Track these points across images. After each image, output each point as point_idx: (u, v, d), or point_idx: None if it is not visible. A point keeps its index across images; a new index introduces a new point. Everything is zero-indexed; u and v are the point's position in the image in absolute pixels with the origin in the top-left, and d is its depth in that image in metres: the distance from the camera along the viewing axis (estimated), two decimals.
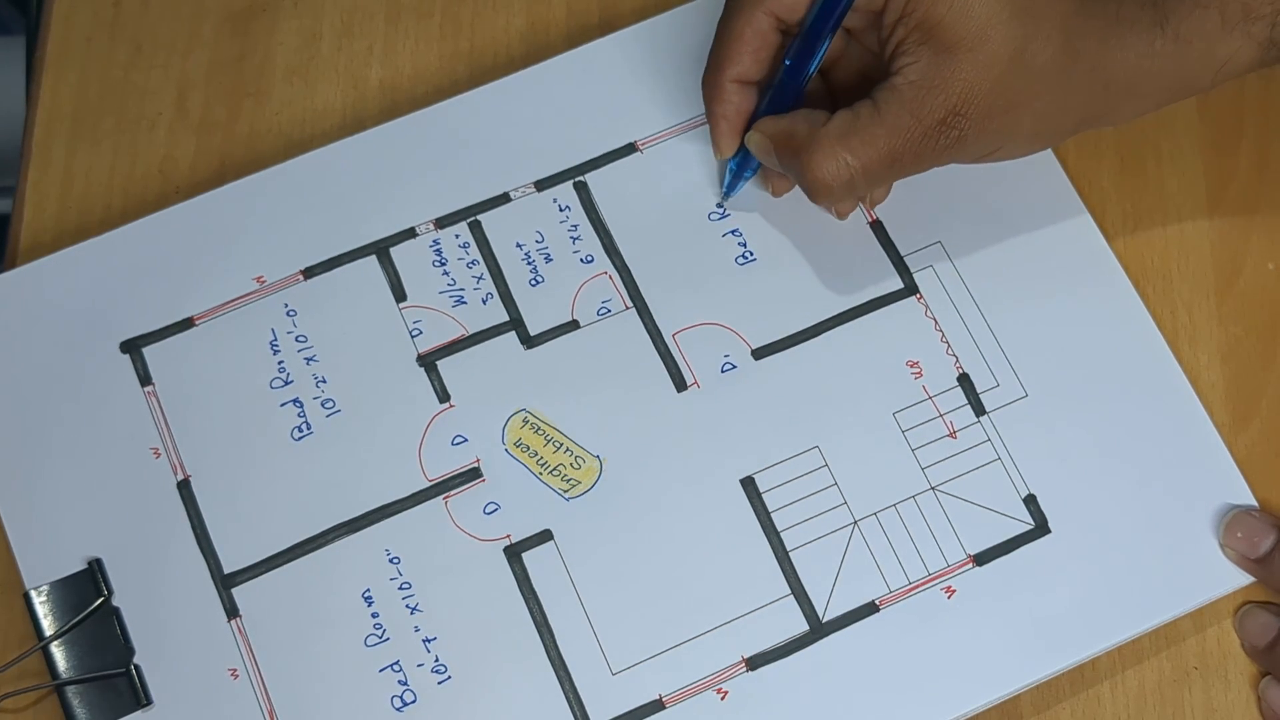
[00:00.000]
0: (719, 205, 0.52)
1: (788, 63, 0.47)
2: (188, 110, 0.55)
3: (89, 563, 0.48)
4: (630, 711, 0.46)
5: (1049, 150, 0.52)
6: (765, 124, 0.48)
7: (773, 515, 0.48)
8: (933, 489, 0.49)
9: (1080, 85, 0.45)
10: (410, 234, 0.52)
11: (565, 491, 0.49)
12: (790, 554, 0.48)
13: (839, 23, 0.46)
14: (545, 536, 0.48)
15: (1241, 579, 0.48)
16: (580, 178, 0.52)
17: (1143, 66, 0.45)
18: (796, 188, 0.51)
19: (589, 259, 0.52)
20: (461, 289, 0.51)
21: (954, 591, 0.48)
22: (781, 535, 0.48)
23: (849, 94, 0.48)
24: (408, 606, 0.47)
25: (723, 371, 0.50)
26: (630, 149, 0.53)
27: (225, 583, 0.48)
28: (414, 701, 0.46)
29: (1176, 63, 0.45)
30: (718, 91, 0.48)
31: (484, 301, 0.51)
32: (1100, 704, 0.48)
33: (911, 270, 0.51)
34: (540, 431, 0.49)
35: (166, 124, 0.55)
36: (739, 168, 0.51)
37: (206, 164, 0.54)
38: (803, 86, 0.48)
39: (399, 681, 0.47)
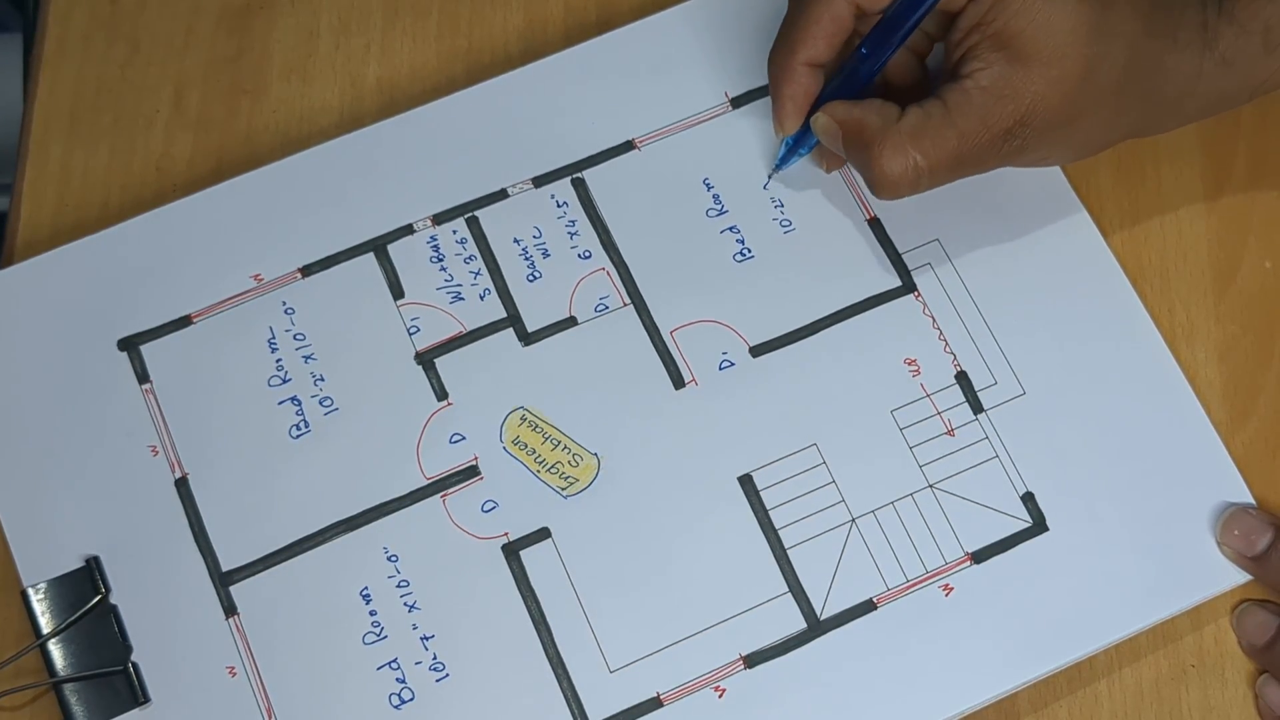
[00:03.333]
0: (768, 176, 0.52)
1: (864, 51, 0.48)
2: (185, 108, 0.55)
3: (87, 560, 0.48)
4: (628, 709, 0.46)
5: None
6: (836, 109, 0.48)
7: (770, 513, 0.48)
8: (930, 487, 0.49)
9: (1134, 103, 0.46)
10: (408, 230, 0.52)
11: (563, 489, 0.49)
12: (788, 552, 0.48)
13: (922, 17, 0.47)
14: (543, 534, 0.48)
15: (1239, 577, 0.48)
16: (578, 174, 0.52)
17: (1189, 87, 0.47)
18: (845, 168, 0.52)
19: (587, 255, 0.51)
20: (459, 285, 0.51)
21: (952, 589, 0.48)
22: (779, 533, 0.48)
23: (890, 88, 0.49)
24: (406, 604, 0.47)
25: (720, 369, 0.50)
26: (628, 146, 0.53)
27: (223, 580, 0.48)
28: (412, 699, 0.46)
29: (1220, 83, 0.47)
30: (788, 73, 0.48)
31: (481, 298, 0.51)
32: (1098, 702, 0.48)
33: (910, 268, 0.51)
34: (538, 429, 0.49)
35: (164, 122, 0.55)
36: (795, 144, 0.50)
37: (204, 162, 0.54)
38: (874, 76, 0.48)
39: (397, 679, 0.47)
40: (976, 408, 0.50)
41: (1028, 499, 0.49)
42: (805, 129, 0.49)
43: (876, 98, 0.47)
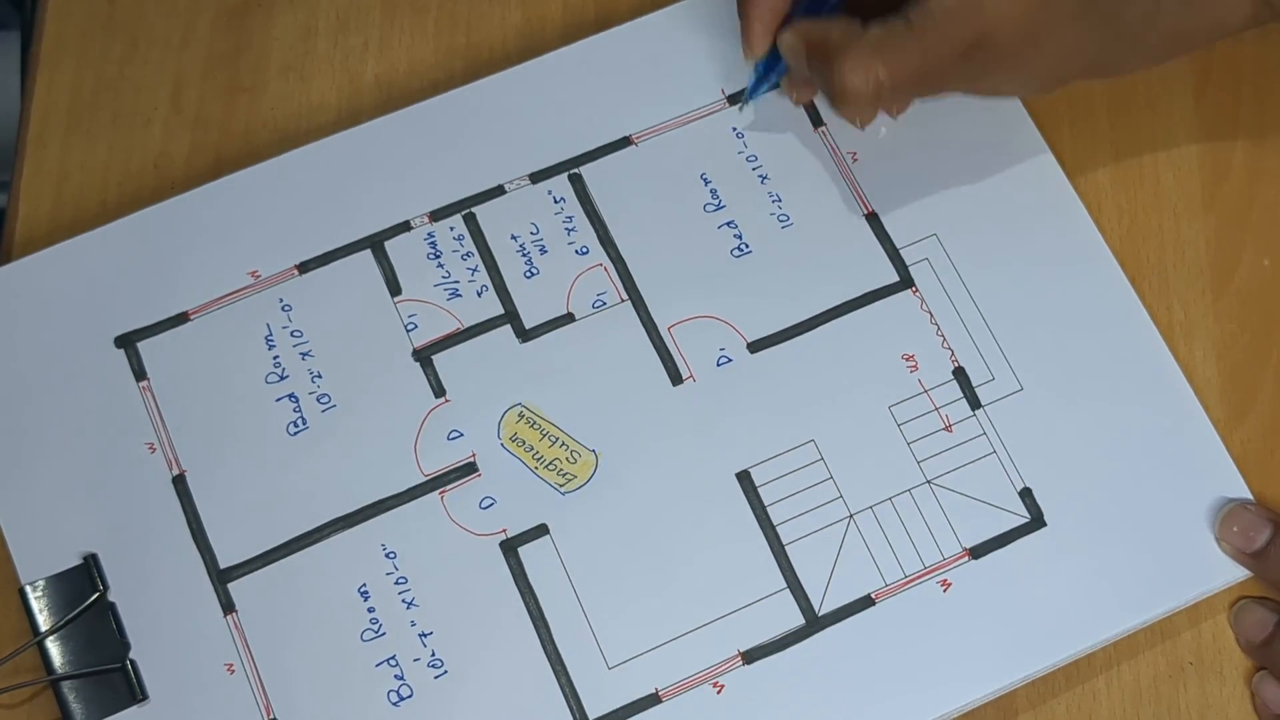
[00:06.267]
0: (739, 108, 0.52)
1: None
2: (183, 106, 0.55)
3: (84, 558, 0.47)
4: (626, 705, 0.46)
5: (1046, 149, 0.52)
6: (801, 26, 0.48)
7: (769, 509, 0.48)
8: (928, 482, 0.49)
9: (1093, 32, 0.47)
10: (405, 227, 0.51)
11: (561, 486, 0.49)
12: (786, 548, 0.48)
13: None
14: (541, 531, 0.48)
15: (1238, 573, 0.48)
16: (575, 170, 0.52)
17: (1149, 20, 0.47)
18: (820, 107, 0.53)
19: (584, 250, 0.51)
20: (456, 282, 0.51)
21: (950, 585, 0.48)
22: (777, 529, 0.48)
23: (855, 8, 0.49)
24: (404, 601, 0.47)
25: (718, 365, 0.50)
26: (625, 142, 0.53)
27: (221, 578, 0.47)
28: (410, 696, 0.46)
29: (1179, 20, 0.47)
30: None
31: (479, 294, 0.51)
32: (1095, 699, 0.48)
33: (907, 263, 0.51)
34: (536, 426, 0.49)
35: (162, 119, 0.55)
36: (765, 70, 0.51)
37: (201, 159, 0.54)
38: None
39: (395, 676, 0.47)
40: (974, 403, 0.50)
41: (1025, 495, 0.49)
42: (775, 55, 0.49)
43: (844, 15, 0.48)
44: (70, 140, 0.54)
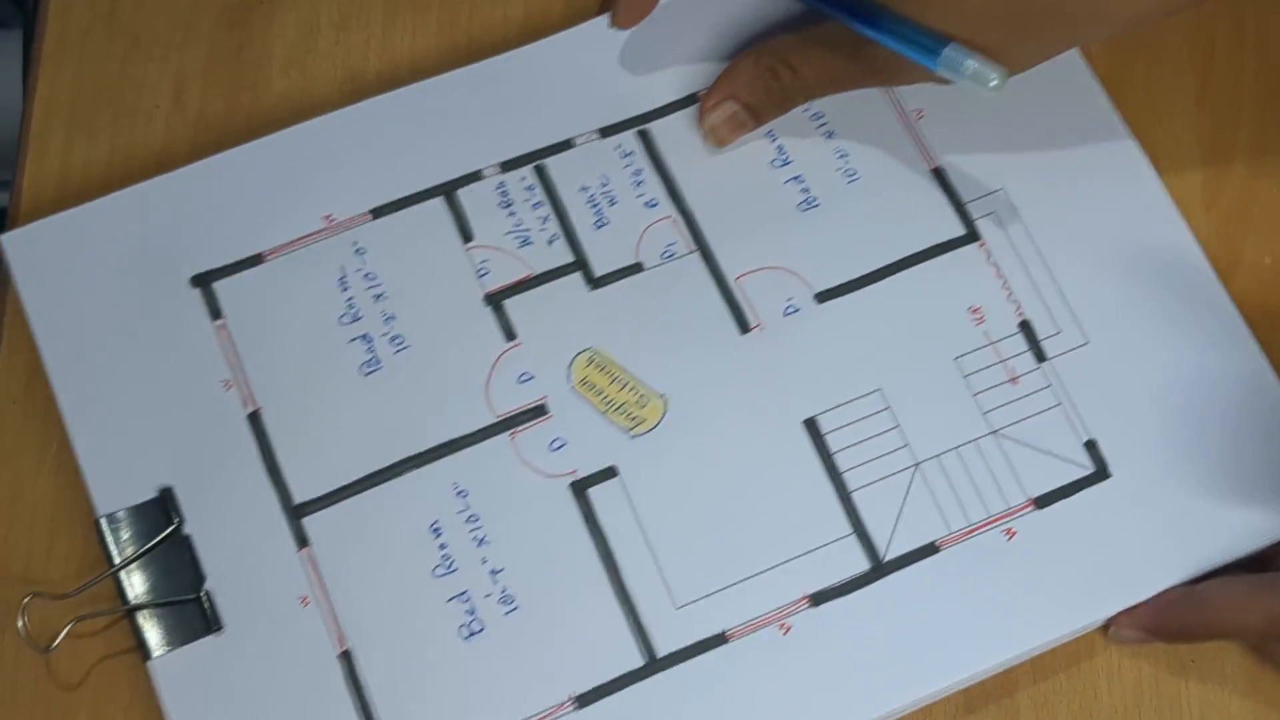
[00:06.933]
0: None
1: None
2: (185, 103, 0.55)
3: (160, 491, 0.48)
4: (694, 644, 0.47)
5: (1109, 104, 0.53)
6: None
7: (834, 456, 0.49)
8: (994, 433, 0.49)
9: None
10: (476, 177, 0.52)
11: (630, 429, 0.49)
12: (852, 495, 0.49)
13: None
14: (610, 473, 0.49)
15: None
16: (643, 126, 0.53)
17: None
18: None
19: (653, 203, 0.52)
20: (527, 230, 0.52)
21: (1014, 534, 0.48)
22: (843, 476, 0.49)
23: None
24: (475, 539, 0.48)
25: (786, 314, 0.51)
26: (692, 99, 0.53)
27: (295, 513, 0.48)
28: (481, 631, 0.47)
29: None
30: None
31: (549, 243, 0.51)
32: (1097, 697, 0.48)
33: (973, 217, 0.52)
34: (606, 370, 0.50)
35: (164, 117, 0.54)
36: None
37: (204, 157, 0.53)
38: None
39: (466, 611, 0.47)
40: (1039, 356, 0.50)
41: (1090, 446, 0.49)
42: None
43: None
44: (72, 138, 0.54)
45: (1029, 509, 0.49)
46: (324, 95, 0.55)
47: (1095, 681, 0.48)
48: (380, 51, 0.55)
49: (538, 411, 0.49)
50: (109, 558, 0.48)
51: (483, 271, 0.51)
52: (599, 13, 0.55)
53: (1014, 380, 0.50)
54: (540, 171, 0.52)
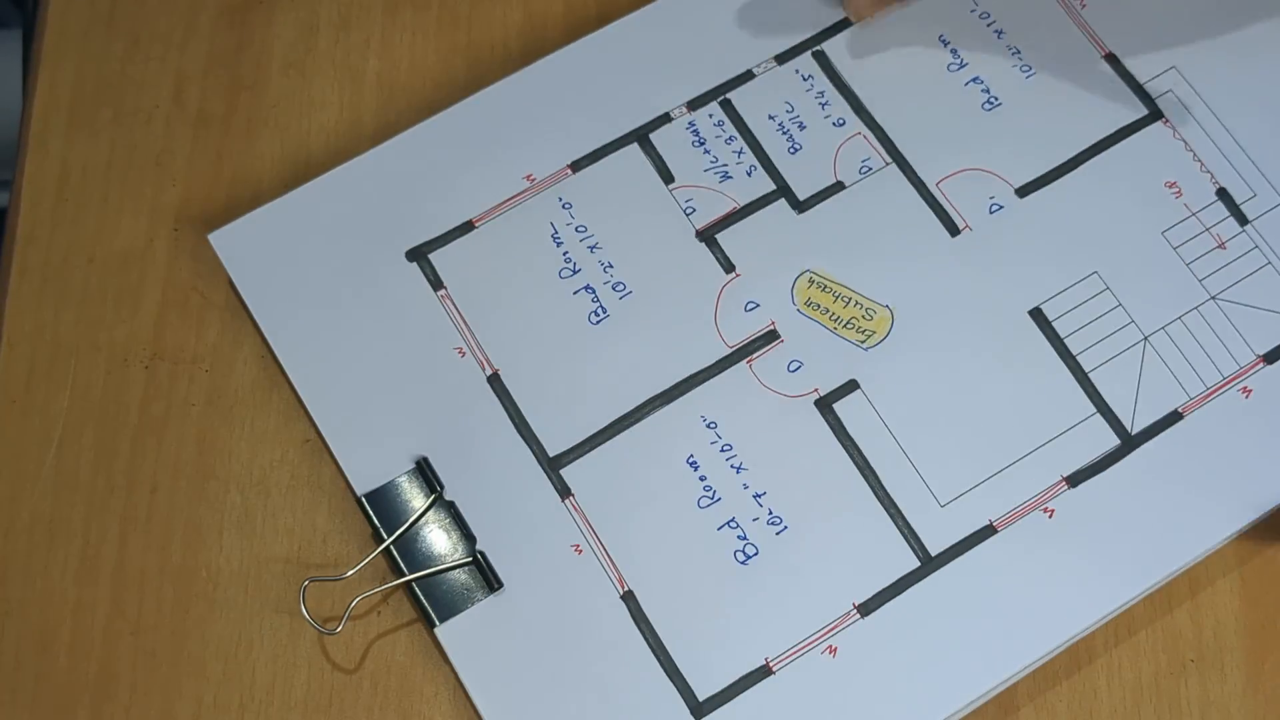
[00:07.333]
0: None
1: None
2: (184, 103, 0.54)
3: (416, 461, 0.49)
4: (965, 539, 0.48)
5: None
6: None
7: (1065, 341, 0.50)
8: (1213, 299, 0.50)
9: None
10: (665, 119, 0.53)
11: (862, 342, 0.50)
12: (1089, 375, 0.49)
13: None
14: (851, 386, 0.49)
15: None
16: (818, 47, 0.54)
17: None
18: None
19: (841, 122, 0.53)
20: (725, 165, 0.52)
21: (1251, 391, 0.49)
22: (1077, 358, 0.50)
23: None
24: (732, 466, 0.49)
25: (991, 212, 0.52)
26: None
27: (553, 465, 0.49)
28: (756, 554, 0.48)
29: None
30: None
31: (748, 174, 0.52)
32: (1096, 695, 0.48)
33: (1153, 96, 0.53)
34: (828, 289, 0.51)
35: (164, 117, 0.54)
36: None
37: (203, 157, 0.54)
38: None
39: (738, 537, 0.48)
40: (1241, 220, 0.51)
41: None
42: None
43: None
44: (72, 138, 0.54)
45: (1260, 365, 0.50)
46: (324, 95, 0.54)
47: (1095, 681, 0.48)
48: (380, 52, 0.55)
49: (770, 337, 0.50)
50: (377, 534, 0.48)
51: (689, 210, 0.52)
52: (597, 20, 0.55)
53: (1221, 246, 0.51)
54: (726, 106, 0.53)
